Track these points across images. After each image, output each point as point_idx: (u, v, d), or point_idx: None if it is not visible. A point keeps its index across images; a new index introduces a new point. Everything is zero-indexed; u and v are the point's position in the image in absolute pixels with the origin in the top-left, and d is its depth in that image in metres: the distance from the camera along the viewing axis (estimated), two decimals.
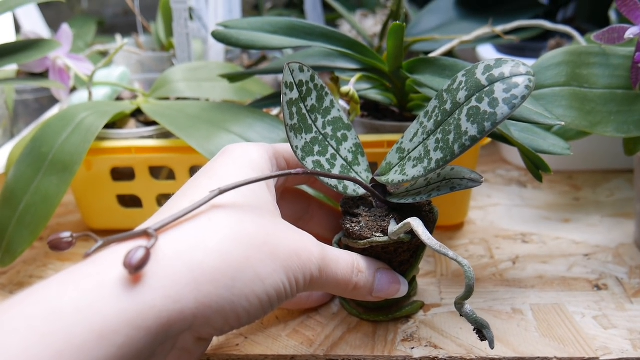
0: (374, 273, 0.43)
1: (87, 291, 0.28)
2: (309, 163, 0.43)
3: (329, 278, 0.39)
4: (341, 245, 0.46)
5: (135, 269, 0.29)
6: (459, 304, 0.39)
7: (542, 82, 0.52)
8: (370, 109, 0.63)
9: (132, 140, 0.59)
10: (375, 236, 0.42)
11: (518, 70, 0.37)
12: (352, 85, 0.53)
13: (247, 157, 0.40)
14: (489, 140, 0.54)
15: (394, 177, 0.43)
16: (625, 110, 0.50)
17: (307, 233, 0.38)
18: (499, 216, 0.65)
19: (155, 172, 0.61)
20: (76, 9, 1.27)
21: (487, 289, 0.52)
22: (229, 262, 0.32)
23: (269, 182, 0.41)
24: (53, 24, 1.02)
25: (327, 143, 0.45)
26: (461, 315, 0.39)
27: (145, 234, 0.32)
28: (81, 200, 0.63)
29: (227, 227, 0.34)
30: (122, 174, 0.62)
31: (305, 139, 0.44)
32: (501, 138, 0.48)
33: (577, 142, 0.58)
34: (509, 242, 0.60)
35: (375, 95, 0.59)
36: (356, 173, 0.46)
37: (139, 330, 0.28)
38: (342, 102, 0.56)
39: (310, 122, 0.44)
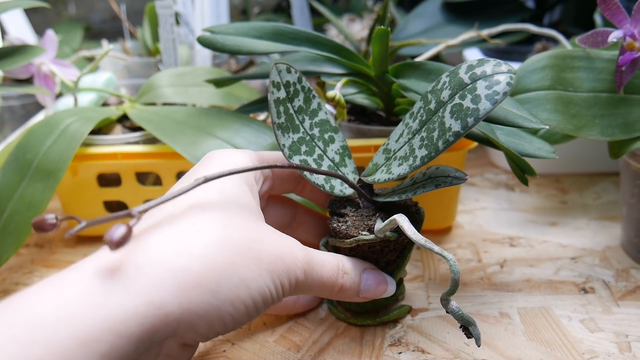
0: (360, 274, 0.43)
1: (69, 299, 0.28)
2: (295, 162, 0.43)
3: (315, 281, 0.38)
4: (328, 247, 0.46)
5: (117, 245, 0.28)
6: (445, 299, 0.39)
7: (527, 85, 0.52)
8: (357, 113, 0.63)
9: (118, 146, 0.59)
10: (362, 234, 0.42)
11: (499, 69, 0.37)
12: (338, 89, 0.53)
13: (230, 161, 0.40)
14: (475, 144, 0.54)
15: (380, 176, 0.43)
16: (609, 114, 0.51)
17: (290, 237, 0.38)
18: (487, 220, 0.65)
19: (142, 177, 0.61)
20: (63, 14, 1.26)
21: (474, 292, 0.52)
22: (214, 267, 0.32)
23: (253, 188, 0.41)
24: (39, 29, 1.02)
25: (314, 144, 0.45)
26: (447, 312, 0.39)
27: (128, 215, 0.32)
28: (67, 207, 0.63)
29: (211, 232, 0.33)
30: (108, 180, 0.61)
31: (293, 138, 0.44)
32: (487, 142, 0.48)
33: (563, 145, 0.58)
34: (496, 246, 0.60)
35: (361, 99, 0.59)
36: (343, 174, 0.46)
37: (122, 337, 0.28)
38: (328, 107, 0.56)
39: (297, 122, 0.44)
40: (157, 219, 0.34)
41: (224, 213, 0.35)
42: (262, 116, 0.64)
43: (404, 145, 0.42)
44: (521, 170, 0.48)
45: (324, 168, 0.45)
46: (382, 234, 0.41)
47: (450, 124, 0.38)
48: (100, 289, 0.29)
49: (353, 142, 0.55)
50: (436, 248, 0.38)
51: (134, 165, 0.59)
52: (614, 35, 0.49)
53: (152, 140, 0.61)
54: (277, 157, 0.45)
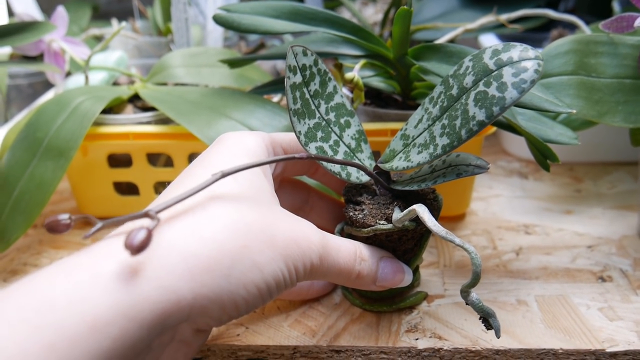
0: (377, 262, 0.42)
1: (80, 282, 0.28)
2: (312, 149, 0.42)
3: (331, 266, 0.38)
4: (344, 235, 0.45)
5: (137, 250, 0.28)
6: (465, 291, 0.38)
7: (549, 70, 0.51)
8: (372, 97, 0.62)
9: (130, 126, 0.58)
10: (379, 224, 0.41)
11: (527, 55, 0.36)
12: (357, 71, 0.52)
13: (242, 145, 0.39)
14: (493, 129, 0.54)
15: (398, 163, 0.42)
16: (633, 100, 0.50)
17: (307, 221, 0.38)
18: (501, 207, 0.65)
19: (153, 158, 0.60)
20: None
21: (491, 280, 0.52)
22: (226, 251, 0.31)
23: (267, 171, 0.40)
24: (46, 9, 1.00)
25: (330, 129, 0.44)
26: (467, 304, 0.38)
27: (146, 215, 0.31)
28: (77, 187, 0.62)
29: (223, 215, 0.33)
30: (118, 160, 0.60)
31: (309, 124, 0.43)
32: (508, 127, 0.48)
33: (578, 134, 0.57)
34: (511, 234, 0.59)
35: (378, 82, 0.58)
36: (359, 160, 0.45)
37: (134, 322, 0.28)
38: (345, 90, 0.55)
39: (313, 107, 0.43)
40: (175, 196, 0.33)
41: (237, 197, 0.35)
42: (275, 98, 0.63)
43: (423, 132, 0.41)
44: (543, 155, 0.47)
45: (340, 154, 0.44)
46: (401, 224, 0.41)
47: (474, 113, 0.36)
48: (112, 273, 0.28)
49: (369, 126, 0.55)
50: (457, 240, 0.37)
51: (146, 145, 0.58)
52: None
53: (164, 121, 0.60)
54: (290, 138, 0.44)
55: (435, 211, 0.44)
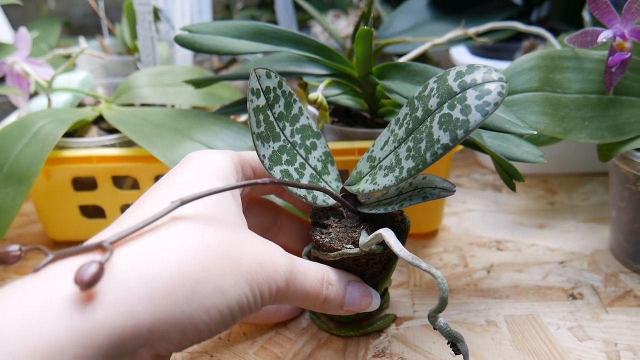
0: (345, 286, 0.41)
1: (32, 308, 0.27)
2: (276, 172, 0.42)
3: (297, 290, 0.37)
4: (311, 257, 0.45)
5: (87, 285, 0.27)
6: (433, 317, 0.37)
7: (514, 87, 0.50)
8: (340, 115, 0.62)
9: (94, 149, 0.57)
10: (346, 248, 0.41)
11: (490, 77, 0.35)
12: (321, 91, 0.51)
13: (210, 164, 0.38)
14: (461, 147, 0.53)
15: (364, 186, 0.41)
16: (599, 116, 0.49)
17: (274, 244, 0.37)
18: (474, 222, 0.64)
19: (119, 181, 0.59)
20: (42, 8, 1.23)
21: (460, 300, 0.51)
22: (187, 274, 0.30)
23: (235, 191, 0.39)
24: (18, 24, 0.99)
25: (295, 152, 0.43)
26: (434, 329, 0.38)
27: (99, 247, 0.30)
28: (42, 211, 0.61)
29: (186, 238, 0.32)
30: (84, 183, 0.59)
31: (273, 147, 0.42)
32: (474, 146, 0.47)
33: (552, 145, 0.57)
34: (483, 250, 0.59)
35: (345, 100, 0.57)
36: (326, 182, 0.44)
37: (88, 349, 0.27)
38: (311, 109, 0.54)
39: (278, 130, 0.42)
40: (131, 225, 0.32)
41: (202, 219, 0.34)
42: (242, 117, 0.62)
43: (389, 154, 0.40)
44: (509, 174, 0.47)
45: (306, 177, 0.43)
46: (367, 248, 0.40)
47: (439, 136, 0.36)
48: (66, 297, 0.27)
49: (337, 145, 0.54)
50: (424, 265, 0.37)
51: (110, 168, 0.57)
52: (604, 36, 0.47)
53: (129, 143, 0.59)
54: (257, 158, 0.43)
55: (403, 233, 0.44)
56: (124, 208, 0.59)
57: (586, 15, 0.70)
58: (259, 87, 0.41)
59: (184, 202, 0.33)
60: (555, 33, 0.80)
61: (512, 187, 0.47)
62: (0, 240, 0.51)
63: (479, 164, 0.78)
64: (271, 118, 0.42)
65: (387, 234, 0.38)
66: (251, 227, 0.38)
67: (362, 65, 0.50)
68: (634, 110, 0.50)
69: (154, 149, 0.52)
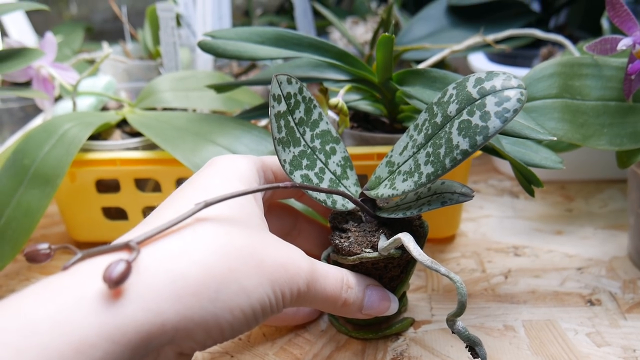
0: (364, 289, 0.42)
1: (64, 304, 0.27)
2: (297, 177, 0.42)
3: (318, 293, 0.38)
4: (330, 261, 0.45)
5: (115, 283, 0.28)
6: (451, 320, 0.38)
7: (533, 94, 0.51)
8: (360, 120, 0.62)
9: (117, 152, 0.58)
10: (365, 252, 0.41)
11: (510, 84, 0.36)
12: (341, 96, 0.52)
13: (234, 168, 0.39)
14: (480, 153, 0.53)
15: (383, 191, 0.42)
16: (618, 123, 0.50)
17: (295, 247, 0.38)
18: (491, 228, 0.64)
19: (141, 183, 0.60)
20: (64, 14, 1.25)
21: (478, 304, 0.51)
22: (213, 274, 0.31)
23: (257, 195, 0.40)
24: (40, 29, 1.01)
25: (315, 156, 0.44)
26: (453, 332, 0.38)
27: (126, 246, 0.31)
28: (65, 212, 0.62)
29: (211, 239, 0.33)
30: (107, 185, 0.60)
31: (294, 152, 0.43)
32: (492, 151, 0.47)
33: (570, 152, 0.57)
34: (501, 255, 0.59)
35: (365, 106, 0.58)
36: (345, 187, 0.45)
37: (118, 344, 0.27)
38: (331, 114, 0.55)
39: (298, 135, 0.43)
40: (157, 226, 0.33)
41: (227, 222, 0.35)
42: (263, 122, 0.63)
43: (408, 160, 0.41)
44: (527, 180, 0.47)
45: (326, 181, 0.44)
46: (386, 252, 0.41)
47: (458, 142, 0.36)
48: (97, 294, 0.28)
49: (356, 150, 0.55)
50: (442, 269, 0.37)
51: (133, 171, 0.58)
52: (624, 43, 0.48)
53: (151, 146, 0.60)
54: (278, 162, 0.44)
55: (421, 238, 0.44)
56: (145, 210, 0.60)
57: (605, 23, 0.70)
58: (280, 93, 0.42)
59: (207, 204, 0.34)
60: (574, 40, 0.80)
61: (531, 193, 0.47)
62: (26, 241, 0.52)
63: (496, 170, 0.79)
64: (292, 123, 0.43)
65: (406, 239, 0.39)
66: (272, 230, 0.39)
67: (382, 71, 0.51)
68: None
69: (177, 153, 0.53)
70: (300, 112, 0.43)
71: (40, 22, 1.12)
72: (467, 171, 0.59)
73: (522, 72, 0.69)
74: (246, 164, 0.40)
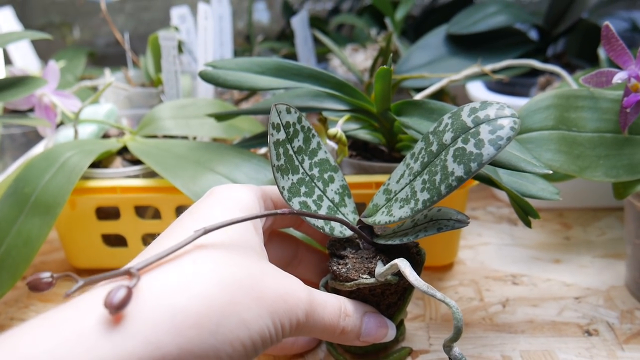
0: (362, 317, 0.42)
1: (64, 339, 0.28)
2: (295, 204, 0.43)
3: (316, 323, 0.38)
4: (328, 289, 0.45)
5: (117, 309, 0.28)
6: (448, 346, 0.38)
7: (530, 125, 0.51)
8: (359, 148, 0.63)
9: (118, 179, 0.59)
10: (362, 278, 0.42)
11: (503, 113, 0.37)
12: (340, 126, 0.53)
13: (234, 198, 0.40)
14: (476, 182, 0.54)
15: (380, 218, 0.42)
16: (614, 154, 0.50)
17: (294, 277, 0.38)
18: (489, 256, 0.64)
19: (141, 211, 0.61)
20: (67, 38, 1.27)
21: (476, 334, 0.51)
22: (214, 307, 0.31)
23: (257, 224, 0.40)
24: (44, 54, 1.02)
25: (313, 184, 0.45)
26: (450, 359, 0.38)
27: (127, 273, 0.31)
28: (65, 239, 0.62)
29: (211, 270, 0.33)
30: (107, 212, 0.61)
31: (292, 179, 0.43)
32: (489, 182, 0.48)
33: (568, 181, 0.57)
34: (499, 284, 0.59)
35: (364, 135, 0.59)
36: (343, 214, 0.45)
37: None
38: (330, 143, 0.55)
39: (297, 163, 0.44)
40: (157, 253, 0.33)
41: (226, 252, 0.35)
42: (262, 150, 0.64)
43: (405, 187, 0.42)
44: (524, 211, 0.48)
45: (324, 208, 0.44)
46: (383, 278, 0.41)
47: (453, 169, 0.37)
48: (97, 328, 0.28)
49: (354, 179, 0.55)
50: (438, 295, 0.37)
51: (133, 199, 0.58)
52: (619, 77, 0.48)
53: (152, 174, 0.61)
54: (277, 191, 0.44)
55: (418, 265, 0.44)
56: (145, 237, 0.61)
57: (602, 53, 0.71)
58: (279, 122, 0.42)
59: (207, 231, 0.34)
60: (571, 69, 0.82)
61: (528, 224, 0.48)
62: (26, 269, 0.52)
63: (494, 197, 0.79)
64: (290, 152, 0.43)
65: (403, 264, 0.39)
66: (272, 260, 0.39)
67: (381, 102, 0.51)
68: None
69: (177, 181, 0.53)
70: (299, 140, 0.44)
71: (43, 47, 1.14)
72: (465, 198, 0.60)
73: (520, 101, 0.69)
74: (247, 193, 0.41)
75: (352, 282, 0.42)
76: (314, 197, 0.44)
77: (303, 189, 0.44)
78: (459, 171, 0.37)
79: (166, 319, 0.30)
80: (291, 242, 0.49)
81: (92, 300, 0.30)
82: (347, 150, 0.53)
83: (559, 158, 0.50)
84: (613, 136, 0.51)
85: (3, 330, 0.53)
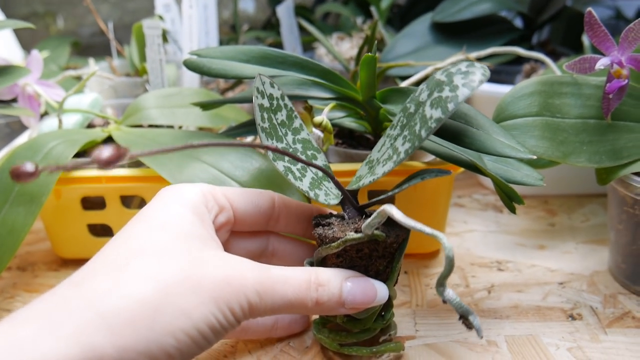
0: (341, 283, 0.40)
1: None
2: (280, 166, 0.43)
3: (276, 300, 0.37)
4: (314, 264, 0.45)
5: (106, 164, 0.28)
6: (441, 285, 0.37)
7: (514, 112, 0.52)
8: (344, 136, 0.63)
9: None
10: (349, 234, 0.41)
11: (473, 66, 0.39)
12: (325, 114, 0.53)
13: (177, 195, 0.40)
14: (462, 170, 0.54)
15: (364, 180, 0.43)
16: (597, 140, 0.51)
17: (243, 259, 0.38)
18: (475, 243, 0.65)
19: (127, 200, 0.60)
20: (51, 28, 1.25)
21: None
22: (147, 302, 0.32)
23: (204, 216, 0.40)
24: (27, 44, 1.01)
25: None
26: (444, 302, 0.38)
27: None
28: (51, 229, 0.62)
29: (143, 269, 0.33)
30: (92, 202, 0.60)
31: (276, 145, 0.43)
32: (475, 169, 0.48)
33: (552, 167, 0.58)
34: (484, 270, 0.59)
35: (349, 122, 0.59)
36: (326, 188, 0.45)
37: None
38: (316, 131, 0.55)
39: (280, 134, 0.45)
40: (96, 267, 0.34)
41: (162, 248, 0.35)
42: (249, 139, 0.64)
43: (386, 150, 0.42)
44: (509, 197, 0.48)
45: (307, 179, 0.44)
46: (370, 230, 0.40)
47: (431, 114, 0.38)
48: (30, 337, 0.29)
49: (340, 167, 0.55)
50: (427, 229, 0.37)
51: (119, 188, 0.58)
52: (601, 63, 0.49)
53: (137, 163, 0.60)
54: (238, 192, 0.44)
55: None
56: None
57: (586, 40, 0.72)
58: (263, 90, 0.44)
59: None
60: (556, 56, 0.82)
61: (513, 210, 0.48)
62: (11, 259, 0.52)
63: (480, 185, 0.80)
64: (274, 121, 0.44)
65: (389, 207, 0.39)
66: (239, 254, 0.39)
67: (366, 90, 0.51)
68: (632, 135, 0.51)
69: (163, 170, 0.53)
70: (282, 115, 0.45)
71: (27, 37, 1.12)
72: (451, 186, 0.60)
73: (505, 88, 0.70)
74: (191, 189, 0.41)
75: (338, 241, 0.41)
76: (298, 165, 0.45)
77: (287, 157, 0.44)
78: (436, 114, 0.38)
79: (96, 320, 0.30)
80: (259, 234, 0.48)
81: (25, 312, 0.31)
82: (332, 139, 0.53)
83: (543, 144, 0.50)
84: (596, 122, 0.51)
85: None
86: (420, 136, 0.38)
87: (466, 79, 0.38)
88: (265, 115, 0.43)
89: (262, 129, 0.43)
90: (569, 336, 0.49)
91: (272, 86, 0.44)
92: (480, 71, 0.38)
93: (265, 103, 0.43)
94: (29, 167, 0.29)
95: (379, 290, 0.42)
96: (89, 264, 0.35)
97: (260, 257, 0.48)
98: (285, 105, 0.45)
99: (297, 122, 0.46)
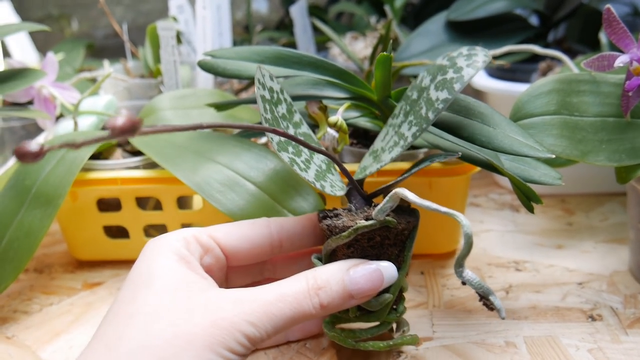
0: (342, 278, 0.39)
1: None
2: (284, 157, 0.42)
3: (276, 322, 0.36)
4: (323, 259, 0.44)
5: (120, 132, 0.28)
6: (460, 265, 0.37)
7: (532, 110, 0.51)
8: (359, 137, 0.63)
9: (118, 171, 0.59)
10: (360, 222, 0.40)
11: (474, 49, 0.40)
12: (340, 114, 0.52)
13: (159, 247, 0.39)
14: (478, 169, 0.54)
15: (371, 169, 0.43)
16: (616, 139, 0.50)
17: (235, 292, 0.37)
18: (492, 243, 0.64)
19: (142, 202, 0.61)
20: (66, 30, 1.26)
21: (479, 320, 0.51)
22: None
23: (188, 258, 0.39)
24: (42, 47, 1.02)
25: (300, 148, 0.44)
26: (463, 283, 0.37)
27: None
28: (67, 231, 0.62)
29: (135, 341, 0.34)
30: (108, 204, 0.61)
31: (280, 137, 0.43)
32: (491, 168, 0.48)
33: (570, 166, 0.57)
34: (502, 270, 0.59)
35: (364, 122, 0.58)
36: (331, 181, 0.44)
37: None
38: (331, 131, 0.55)
39: (282, 126, 0.44)
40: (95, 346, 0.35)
41: (150, 311, 0.35)
42: (263, 139, 0.63)
43: (391, 138, 0.42)
44: (526, 197, 0.47)
45: (312, 171, 0.43)
46: (382, 216, 0.39)
47: (437, 96, 0.39)
48: None
49: (354, 167, 0.55)
50: (443, 209, 0.37)
51: (134, 190, 0.58)
52: (620, 60, 0.48)
53: (152, 165, 0.60)
54: (227, 230, 0.43)
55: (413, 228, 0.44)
56: (146, 228, 0.61)
57: (603, 37, 0.71)
58: (264, 82, 0.43)
59: None
60: (572, 54, 0.81)
61: (531, 209, 0.48)
62: (28, 261, 0.52)
63: (496, 184, 0.79)
64: (276, 114, 0.44)
65: (402, 190, 0.38)
66: (239, 284, 0.38)
67: (381, 89, 0.51)
68: None
69: (178, 171, 0.53)
70: (282, 108, 0.45)
71: (42, 40, 1.13)
72: (467, 185, 0.60)
73: (521, 87, 0.69)
74: (173, 237, 0.40)
75: (349, 230, 0.40)
76: (302, 158, 0.44)
77: (291, 149, 0.43)
78: (443, 95, 0.38)
79: None
80: (253, 265, 0.47)
81: None
82: (347, 139, 0.53)
83: (561, 143, 0.49)
84: (615, 120, 0.50)
85: (6, 323, 0.53)
86: (427, 118, 0.39)
87: (469, 60, 0.39)
88: (268, 107, 0.43)
89: (266, 120, 0.42)
90: (589, 337, 0.48)
91: (272, 79, 0.44)
92: (482, 53, 0.39)
93: (267, 95, 0.43)
94: (34, 146, 0.28)
95: (384, 271, 0.40)
96: (90, 343, 0.35)
97: (261, 282, 0.47)
98: (285, 100, 0.45)
99: (297, 117, 0.46)
